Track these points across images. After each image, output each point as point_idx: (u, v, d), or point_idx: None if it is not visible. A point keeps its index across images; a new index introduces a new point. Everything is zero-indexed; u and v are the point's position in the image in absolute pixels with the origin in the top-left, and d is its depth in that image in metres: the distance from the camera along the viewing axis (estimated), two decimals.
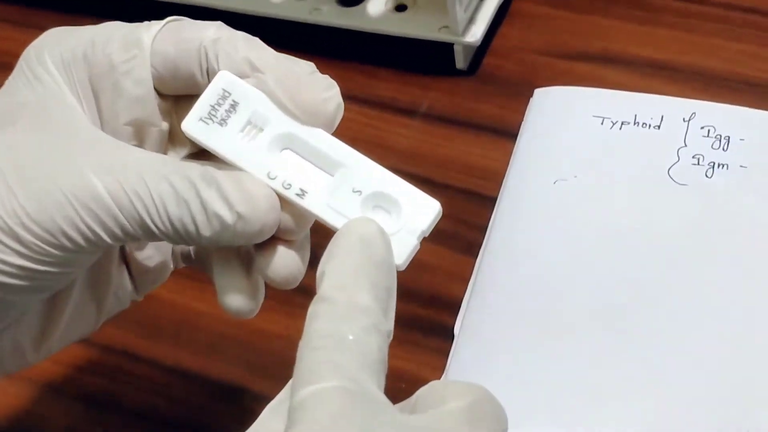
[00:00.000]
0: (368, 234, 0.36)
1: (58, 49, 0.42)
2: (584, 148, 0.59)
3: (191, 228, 0.38)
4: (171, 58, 0.41)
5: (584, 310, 0.52)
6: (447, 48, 0.65)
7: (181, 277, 0.48)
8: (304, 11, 0.67)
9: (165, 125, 0.43)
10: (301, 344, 0.32)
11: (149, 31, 0.41)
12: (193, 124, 0.39)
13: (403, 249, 0.37)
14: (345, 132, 0.64)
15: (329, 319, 0.33)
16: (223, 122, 0.39)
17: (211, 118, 0.39)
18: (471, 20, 0.65)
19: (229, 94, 0.39)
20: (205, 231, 0.38)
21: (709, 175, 0.57)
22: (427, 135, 0.62)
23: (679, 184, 0.57)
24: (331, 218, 0.37)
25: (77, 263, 0.40)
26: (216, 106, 0.39)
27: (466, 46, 0.65)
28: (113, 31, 0.42)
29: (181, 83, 0.42)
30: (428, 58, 0.66)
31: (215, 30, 0.41)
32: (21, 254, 0.39)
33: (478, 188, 0.59)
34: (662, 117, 0.60)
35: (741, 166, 0.57)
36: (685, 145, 0.58)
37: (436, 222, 0.37)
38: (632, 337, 0.51)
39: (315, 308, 0.34)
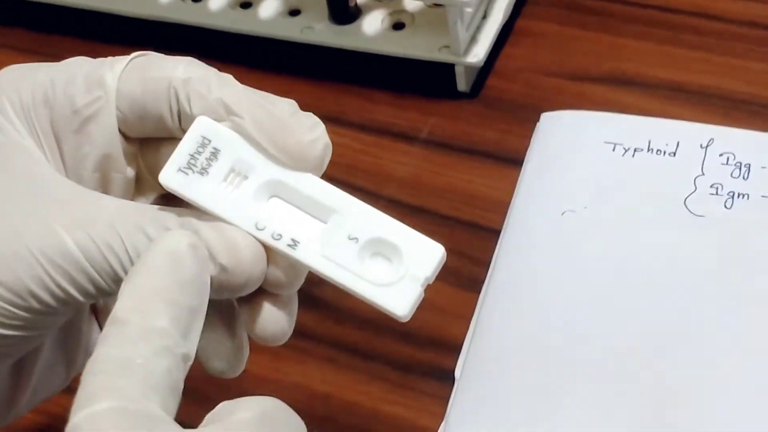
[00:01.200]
0: (177, 249, 0.36)
1: (16, 92, 0.42)
2: (595, 176, 0.59)
3: None
4: (138, 99, 0.41)
5: (595, 352, 0.52)
6: (448, 69, 0.65)
7: None
8: (296, 30, 0.68)
9: (131, 171, 0.42)
10: (84, 370, 0.33)
11: (113, 69, 0.41)
12: (171, 176, 0.38)
13: (407, 298, 0.37)
14: (340, 160, 0.63)
15: (117, 342, 0.34)
16: (204, 172, 0.38)
17: (190, 168, 0.38)
18: (473, 39, 0.65)
19: (209, 141, 0.38)
20: None
21: (729, 206, 0.57)
22: (427, 162, 0.62)
23: (696, 215, 0.57)
24: (326, 270, 0.37)
25: (46, 325, 0.40)
26: (195, 155, 0.38)
27: (468, 67, 0.65)
28: (75, 69, 0.42)
29: (148, 126, 0.41)
30: (428, 80, 0.67)
31: (185, 68, 0.40)
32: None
33: (481, 220, 0.59)
34: (678, 143, 0.60)
35: (763, 196, 0.57)
36: (703, 174, 0.58)
37: (440, 267, 0.37)
38: (646, 383, 0.50)
39: (105, 331, 0.34)
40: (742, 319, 0.53)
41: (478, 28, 0.65)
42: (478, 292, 0.56)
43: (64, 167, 0.41)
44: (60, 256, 0.38)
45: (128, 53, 0.66)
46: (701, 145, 0.59)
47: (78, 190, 0.40)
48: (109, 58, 0.41)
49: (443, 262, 0.37)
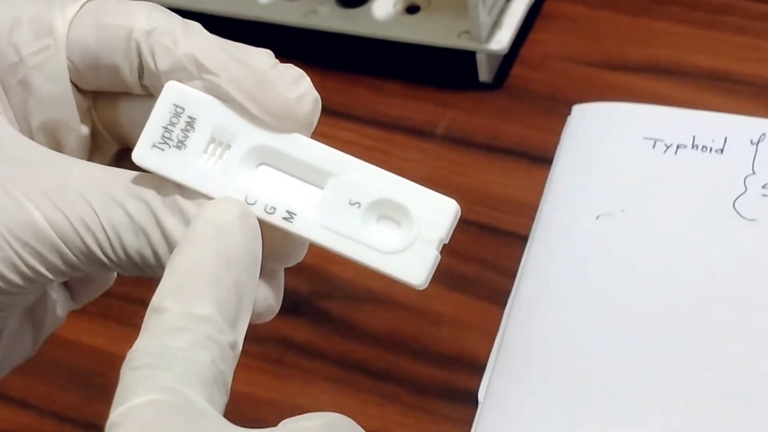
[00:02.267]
0: (224, 221, 0.36)
1: None
2: (633, 176, 0.59)
3: (151, 261, 0.38)
4: (91, 49, 0.40)
5: (636, 370, 0.52)
6: (468, 57, 0.66)
7: None
8: (298, 14, 0.68)
9: (85, 129, 0.42)
10: (123, 365, 0.33)
11: (64, 13, 0.40)
12: (145, 153, 0.38)
13: (422, 264, 0.36)
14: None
15: (156, 333, 0.34)
16: (181, 145, 0.38)
17: (166, 143, 0.38)
18: (496, 24, 0.65)
19: (183, 109, 0.38)
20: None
21: None
22: (445, 161, 0.63)
23: (746, 219, 0.57)
24: (329, 241, 0.37)
25: (13, 304, 0.40)
26: (170, 127, 0.38)
27: (491, 55, 0.66)
28: (19, 12, 0.41)
29: (103, 79, 0.40)
30: (446, 69, 0.67)
31: (147, 16, 0.39)
32: None
33: (506, 225, 0.59)
34: (726, 139, 0.60)
35: None
36: (754, 173, 0.59)
37: (454, 225, 0.37)
38: (692, 409, 0.50)
39: (145, 320, 0.35)
40: None
41: (502, 12, 0.66)
42: (503, 304, 0.55)
43: (16, 124, 0.41)
44: (28, 232, 0.38)
45: None
46: (752, 141, 0.60)
47: (40, 152, 0.40)
48: (59, 0, 0.41)
49: (458, 219, 0.37)
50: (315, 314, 0.51)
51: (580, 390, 0.52)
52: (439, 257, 0.36)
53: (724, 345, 0.53)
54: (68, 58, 0.40)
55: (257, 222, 0.37)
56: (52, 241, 0.38)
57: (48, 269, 0.38)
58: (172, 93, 0.38)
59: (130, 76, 0.40)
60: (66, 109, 0.41)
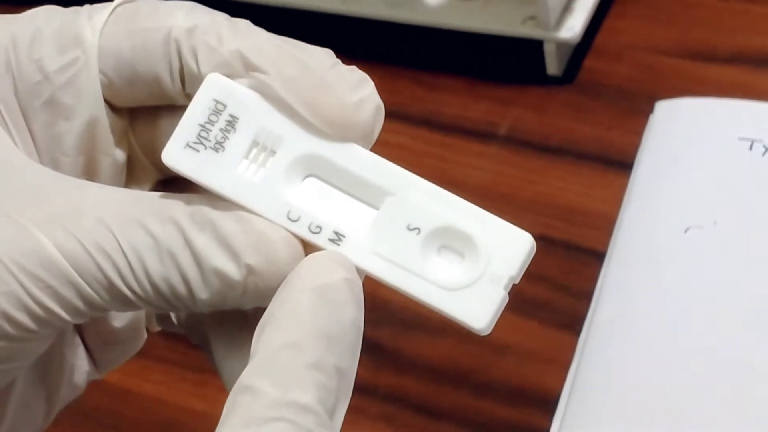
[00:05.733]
0: (328, 286, 0.36)
1: None
2: (726, 182, 0.59)
3: (182, 290, 0.38)
4: (126, 58, 0.41)
5: (731, 407, 0.52)
6: (535, 47, 0.67)
7: (170, 365, 0.48)
8: (337, 0, 0.69)
9: (121, 153, 0.42)
10: None
11: (92, 20, 0.41)
12: (177, 154, 0.38)
13: (487, 305, 0.36)
14: (399, 164, 0.64)
15: (246, 420, 0.33)
16: (219, 147, 0.38)
17: (201, 143, 0.38)
18: (567, 8, 0.66)
19: (224, 106, 0.38)
20: (202, 293, 0.38)
21: None
22: (509, 167, 0.63)
23: None
24: (380, 271, 0.37)
25: (23, 354, 0.40)
26: (207, 126, 0.38)
27: (561, 45, 0.66)
28: (41, 24, 0.41)
29: (141, 91, 0.41)
30: (509, 62, 0.68)
31: (186, 14, 0.40)
32: None
33: (580, 239, 0.60)
34: None
35: None
36: None
37: (528, 263, 0.36)
38: None
39: (231, 400, 0.34)
40: None
41: None
42: (578, 332, 0.56)
43: (36, 152, 0.42)
44: (38, 264, 0.38)
45: None
46: None
47: (57, 178, 0.40)
48: (86, 7, 0.41)
49: (532, 256, 0.36)
50: (362, 344, 0.52)
51: (669, 423, 0.52)
52: (507, 299, 0.36)
53: None
54: (100, 71, 0.41)
55: (361, 288, 0.37)
56: (65, 271, 0.38)
57: (62, 307, 0.38)
58: (212, 87, 0.38)
59: (171, 84, 0.40)
60: (99, 132, 0.41)
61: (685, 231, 0.57)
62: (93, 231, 0.38)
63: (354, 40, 0.69)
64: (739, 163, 0.60)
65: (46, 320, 0.38)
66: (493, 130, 0.65)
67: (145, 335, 0.45)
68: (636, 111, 0.63)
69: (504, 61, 0.67)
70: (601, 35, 0.68)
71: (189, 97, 0.39)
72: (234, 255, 0.37)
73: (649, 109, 0.63)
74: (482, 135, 0.65)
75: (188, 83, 0.40)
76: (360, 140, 0.38)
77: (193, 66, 0.39)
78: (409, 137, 0.65)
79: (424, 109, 0.66)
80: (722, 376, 0.53)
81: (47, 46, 0.41)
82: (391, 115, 0.65)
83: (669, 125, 0.62)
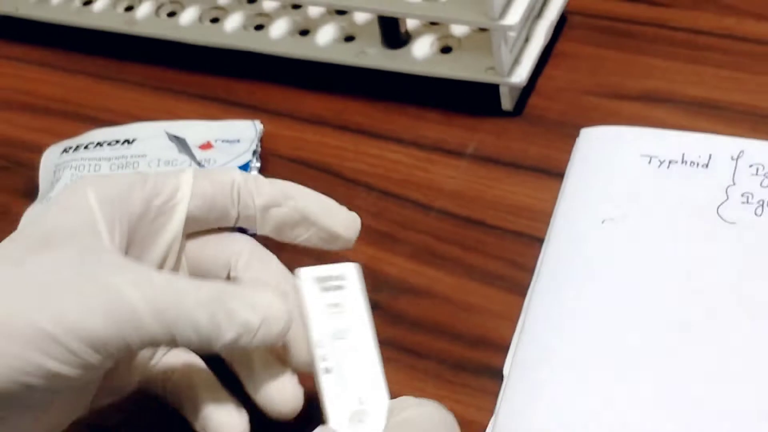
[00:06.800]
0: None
1: (101, 188, 0.46)
2: (632, 187, 0.59)
3: (214, 333, 0.42)
4: (209, 195, 0.48)
5: (634, 351, 0.52)
6: (493, 89, 0.66)
7: None
8: (351, 54, 0.68)
9: (184, 263, 0.49)
10: None
11: (186, 175, 0.48)
12: (308, 277, 0.46)
13: None
14: (394, 174, 0.65)
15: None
16: (326, 290, 0.46)
17: (319, 282, 0.46)
18: (516, 61, 0.65)
19: (344, 280, 0.46)
20: (229, 334, 0.43)
21: (759, 214, 0.56)
22: (475, 176, 0.62)
23: (728, 222, 0.56)
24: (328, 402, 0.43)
25: (95, 370, 0.42)
26: (329, 278, 0.46)
27: (512, 87, 0.65)
28: (149, 177, 0.48)
29: (213, 218, 0.49)
30: (475, 99, 0.67)
31: (239, 172, 0.49)
32: (59, 359, 0.41)
33: (526, 229, 0.59)
34: (710, 156, 0.59)
35: None
36: (734, 184, 0.58)
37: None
38: (683, 381, 0.50)
39: None
40: None
41: (521, 51, 0.66)
42: (524, 296, 0.55)
43: (126, 253, 0.46)
44: (125, 311, 0.41)
45: (200, 80, 0.68)
46: (732, 157, 0.59)
47: (135, 262, 0.45)
48: (173, 170, 0.50)
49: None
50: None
51: (586, 365, 0.51)
52: None
53: (708, 331, 0.52)
54: (189, 208, 0.47)
55: None
56: (141, 318, 0.41)
57: (134, 341, 0.41)
58: (352, 269, 0.46)
59: (233, 211, 0.49)
60: (175, 249, 0.48)
61: (602, 222, 0.57)
62: (163, 293, 0.42)
63: (364, 85, 0.69)
64: (642, 173, 0.59)
65: (121, 348, 0.41)
66: (463, 150, 0.64)
67: (134, 385, 0.48)
68: (567, 136, 0.63)
69: (471, 99, 0.66)
70: (541, 80, 0.67)
71: (240, 216, 0.49)
72: (253, 308, 0.43)
73: (576, 134, 0.62)
74: (455, 153, 0.64)
75: (242, 210, 0.49)
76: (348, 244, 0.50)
77: (250, 201, 0.49)
78: (403, 155, 0.64)
79: (413, 134, 0.66)
80: (626, 328, 0.53)
81: (155, 190, 0.47)
82: (391, 138, 0.66)
83: (590, 145, 0.62)
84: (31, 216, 0.62)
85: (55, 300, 0.41)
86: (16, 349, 0.40)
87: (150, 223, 0.47)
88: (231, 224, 0.50)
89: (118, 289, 0.41)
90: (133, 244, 0.47)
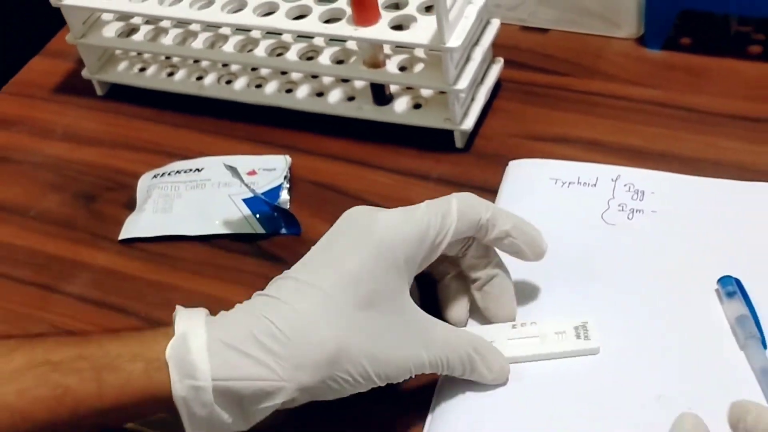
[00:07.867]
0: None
1: (408, 247, 0.45)
2: (544, 200, 0.59)
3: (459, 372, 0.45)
4: (463, 228, 0.47)
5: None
6: (449, 133, 0.65)
7: None
8: (353, 109, 0.68)
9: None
10: None
11: (455, 206, 0.47)
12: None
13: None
14: (381, 192, 0.64)
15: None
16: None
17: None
18: (465, 114, 0.65)
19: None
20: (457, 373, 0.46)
21: (630, 218, 0.57)
22: (439, 193, 0.54)
23: (609, 224, 0.57)
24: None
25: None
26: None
27: (463, 132, 0.65)
28: (431, 226, 0.46)
29: (457, 244, 0.48)
30: (437, 141, 0.66)
31: (486, 208, 0.48)
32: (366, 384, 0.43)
33: None
34: (597, 178, 0.60)
35: (652, 211, 0.57)
36: (613, 197, 0.58)
37: None
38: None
39: None
40: (642, 291, 0.52)
41: (469, 107, 0.65)
42: None
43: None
44: (419, 367, 0.44)
45: (247, 128, 0.67)
46: (612, 179, 0.60)
47: (429, 320, 0.45)
48: (444, 206, 0.48)
49: None
50: None
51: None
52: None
53: (595, 307, 0.51)
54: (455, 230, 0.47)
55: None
56: (423, 370, 0.44)
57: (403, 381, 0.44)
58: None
59: (480, 234, 0.48)
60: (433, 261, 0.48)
61: None
62: (443, 354, 0.44)
63: (361, 130, 0.67)
64: (551, 192, 0.59)
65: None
66: (430, 175, 0.64)
67: None
68: (500, 165, 0.63)
69: (435, 140, 0.66)
70: (483, 127, 0.67)
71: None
72: (489, 370, 0.46)
73: (506, 164, 0.62)
74: (424, 177, 0.64)
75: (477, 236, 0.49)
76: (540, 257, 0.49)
77: (491, 233, 0.48)
78: (387, 178, 0.64)
79: (395, 164, 0.65)
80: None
81: (440, 222, 0.47)
82: (378, 167, 0.66)
83: (515, 172, 0.62)
84: (137, 222, 0.62)
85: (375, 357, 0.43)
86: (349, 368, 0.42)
87: (429, 252, 0.46)
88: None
89: (419, 352, 0.43)
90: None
